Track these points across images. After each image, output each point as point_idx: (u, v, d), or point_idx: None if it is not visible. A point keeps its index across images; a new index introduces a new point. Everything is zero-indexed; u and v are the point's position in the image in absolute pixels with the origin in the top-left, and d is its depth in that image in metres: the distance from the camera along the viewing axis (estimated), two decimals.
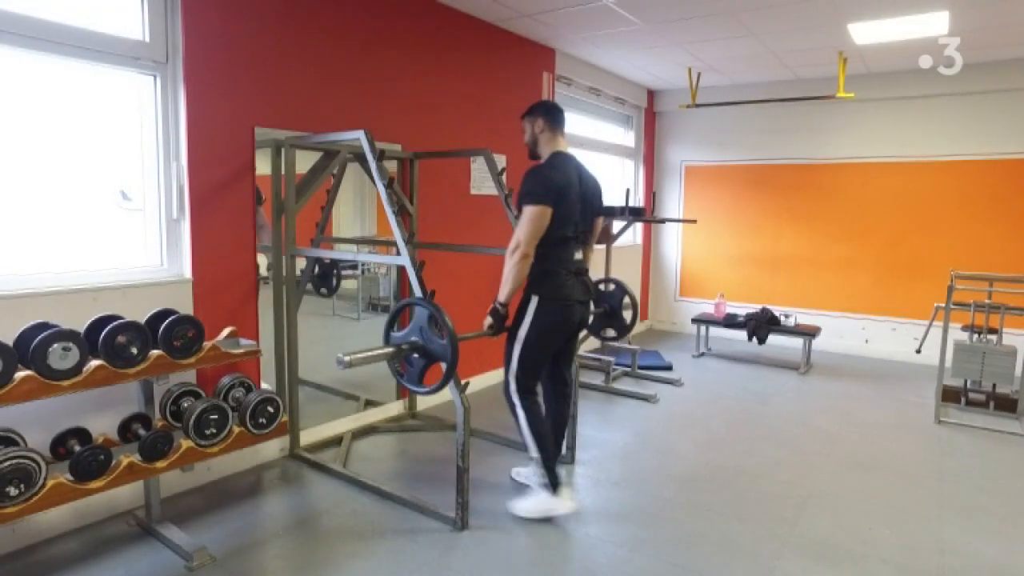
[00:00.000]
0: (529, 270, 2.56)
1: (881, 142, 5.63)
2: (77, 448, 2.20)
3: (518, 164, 4.60)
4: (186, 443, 2.30)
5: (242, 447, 2.49)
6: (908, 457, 3.44)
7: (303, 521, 2.59)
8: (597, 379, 4.70)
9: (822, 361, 5.60)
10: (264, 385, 3.05)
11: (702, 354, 5.76)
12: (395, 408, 3.91)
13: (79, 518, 2.48)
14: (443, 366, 2.40)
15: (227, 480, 2.93)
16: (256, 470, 3.05)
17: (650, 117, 6.70)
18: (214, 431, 2.35)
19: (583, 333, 3.13)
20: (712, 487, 2.99)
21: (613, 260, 5.00)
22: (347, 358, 2.29)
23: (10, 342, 1.97)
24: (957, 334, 4.29)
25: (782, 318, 5.48)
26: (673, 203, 6.78)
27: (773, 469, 3.23)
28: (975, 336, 4.10)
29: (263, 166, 3.02)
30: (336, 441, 3.42)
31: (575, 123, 5.39)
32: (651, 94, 6.60)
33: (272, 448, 3.16)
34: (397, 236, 2.52)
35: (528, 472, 2.94)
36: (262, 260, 3.10)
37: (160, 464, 2.25)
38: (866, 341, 5.86)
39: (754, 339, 5.41)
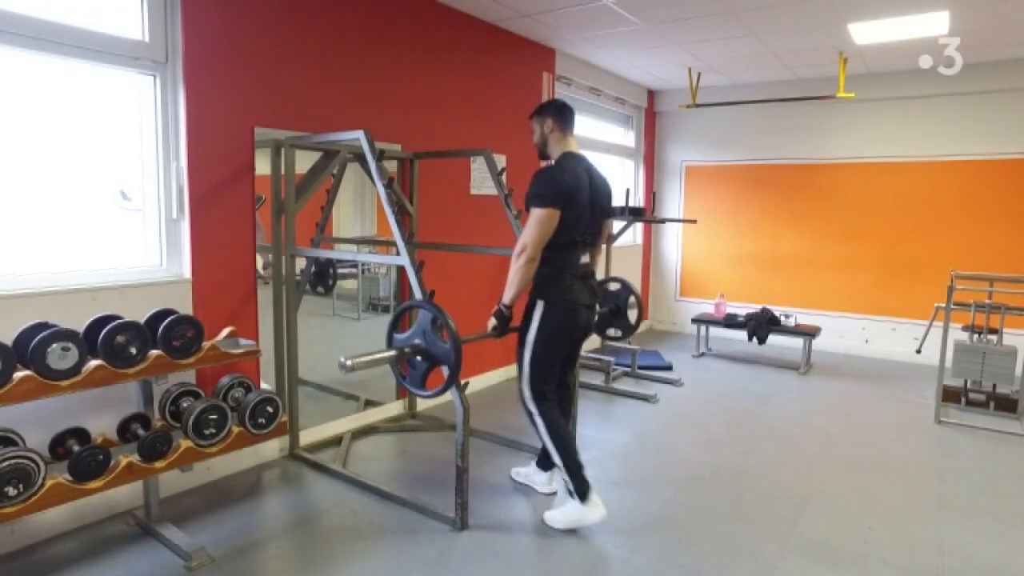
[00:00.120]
0: (535, 273, 2.50)
1: (881, 142, 5.62)
2: (76, 448, 2.20)
3: (518, 164, 4.61)
4: (185, 443, 2.30)
5: (241, 447, 2.49)
6: (908, 457, 3.43)
7: (303, 521, 2.59)
8: (597, 379, 4.69)
9: (822, 361, 5.59)
10: (264, 385, 3.05)
11: (702, 354, 5.75)
12: (395, 408, 3.91)
13: (78, 518, 2.48)
14: (444, 370, 2.39)
15: (226, 480, 2.93)
16: (256, 470, 3.05)
17: (650, 117, 6.70)
18: (213, 431, 2.35)
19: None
20: (712, 487, 2.99)
21: (613, 260, 5.01)
22: (349, 362, 2.24)
23: (9, 342, 1.97)
24: (957, 334, 4.29)
25: (782, 318, 5.48)
26: (673, 203, 6.77)
27: (773, 469, 3.22)
28: (975, 336, 4.10)
29: (263, 166, 3.02)
30: (336, 441, 3.41)
31: (575, 123, 5.37)
32: (651, 94, 6.60)
33: (272, 448, 3.16)
34: (397, 236, 2.52)
35: (529, 470, 2.94)
36: (258, 260, 3.10)
37: (159, 464, 2.24)
38: (866, 341, 5.86)
39: (754, 339, 5.41)
